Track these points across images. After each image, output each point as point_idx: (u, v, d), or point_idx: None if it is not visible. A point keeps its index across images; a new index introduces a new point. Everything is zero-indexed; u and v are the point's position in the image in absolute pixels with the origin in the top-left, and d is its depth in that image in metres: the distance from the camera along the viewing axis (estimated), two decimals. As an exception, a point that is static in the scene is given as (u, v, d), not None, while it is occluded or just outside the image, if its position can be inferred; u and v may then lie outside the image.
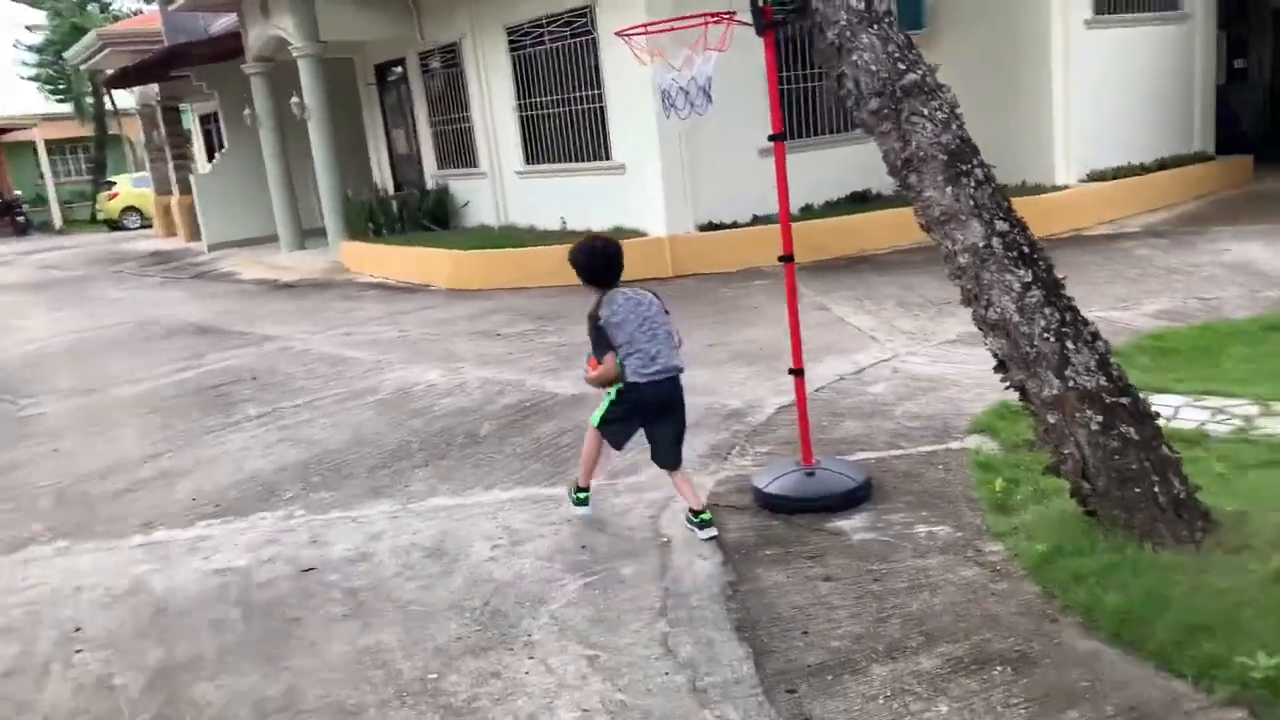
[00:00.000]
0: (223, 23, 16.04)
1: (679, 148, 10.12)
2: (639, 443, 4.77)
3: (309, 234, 15.94)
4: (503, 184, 12.64)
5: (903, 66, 3.32)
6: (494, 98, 12.31)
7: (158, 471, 5.31)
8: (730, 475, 4.42)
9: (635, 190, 10.51)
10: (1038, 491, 3.80)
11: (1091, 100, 10.84)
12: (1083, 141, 10.89)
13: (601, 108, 10.70)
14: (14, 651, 3.41)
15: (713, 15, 3.83)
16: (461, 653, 3.12)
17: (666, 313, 3.88)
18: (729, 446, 4.82)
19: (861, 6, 3.34)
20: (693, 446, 4.85)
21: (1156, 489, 3.14)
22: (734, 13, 3.86)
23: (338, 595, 3.61)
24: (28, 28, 35.60)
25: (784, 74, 10.44)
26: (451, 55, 12.95)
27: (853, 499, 3.89)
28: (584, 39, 10.67)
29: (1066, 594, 3.01)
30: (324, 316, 9.87)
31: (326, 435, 5.67)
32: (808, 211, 10.86)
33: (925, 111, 3.30)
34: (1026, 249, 3.27)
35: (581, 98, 10.96)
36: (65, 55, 22.06)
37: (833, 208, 11.02)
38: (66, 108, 32.67)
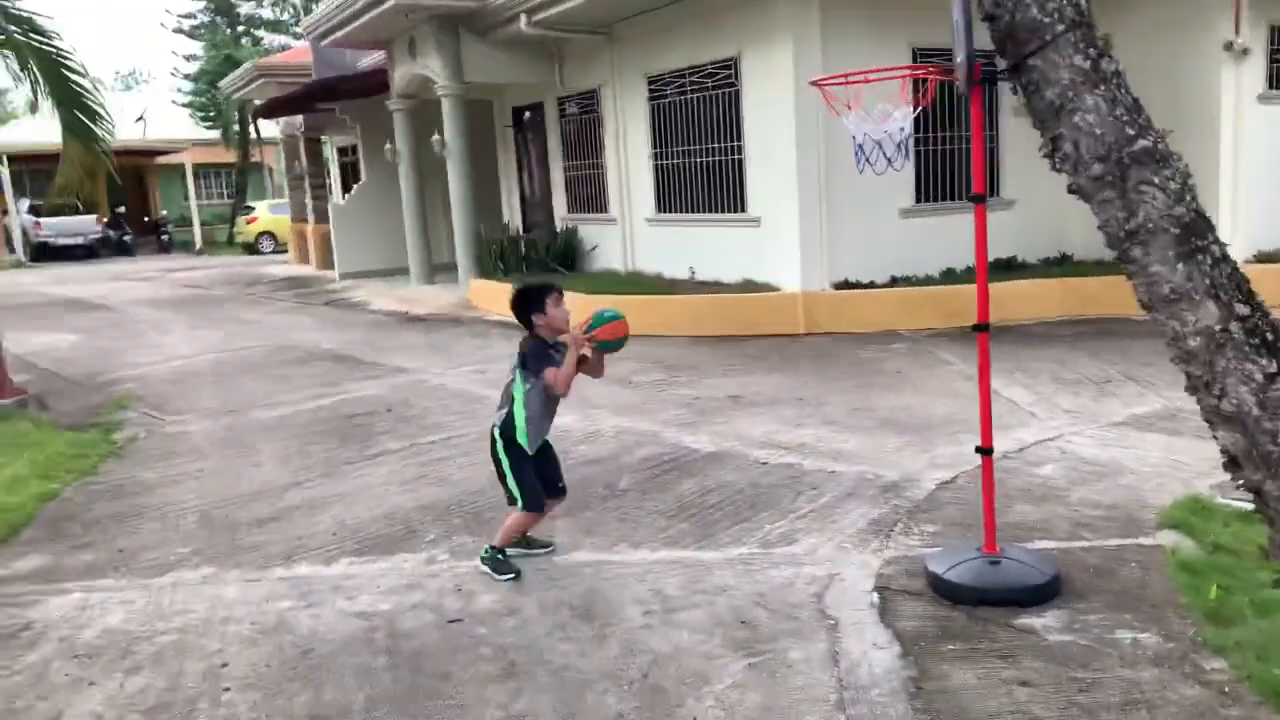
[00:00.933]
0: (370, 60, 16.65)
1: (818, 204, 9.92)
2: (799, 508, 4.54)
3: (437, 269, 16.27)
4: (632, 230, 12.63)
5: (1131, 131, 3.06)
6: (629, 145, 12.35)
7: (300, 500, 5.30)
8: (898, 555, 4.12)
9: (770, 244, 10.32)
10: (1256, 603, 3.40)
11: (1263, 178, 10.21)
12: (1252, 220, 10.25)
13: (740, 159, 10.59)
14: (162, 685, 3.35)
15: (916, 68, 3.63)
16: (623, 731, 2.91)
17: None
18: (891, 522, 4.52)
19: (1087, 65, 3.09)
20: (851, 519, 4.59)
21: None
22: (938, 67, 3.65)
23: (487, 652, 3.45)
24: (185, 57, 38.02)
25: (924, 134, 10.15)
26: (589, 101, 13.09)
27: (1042, 594, 3.55)
28: (726, 90, 10.61)
29: (1320, 734, 2.63)
30: (455, 352, 9.93)
31: (466, 475, 5.59)
32: (949, 276, 10.48)
33: (1156, 180, 3.02)
34: (1270, 336, 2.94)
35: (719, 149, 10.88)
36: (220, 84, 23.27)
37: (974, 272, 10.59)
38: (214, 134, 34.51)
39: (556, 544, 4.43)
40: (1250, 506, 4.46)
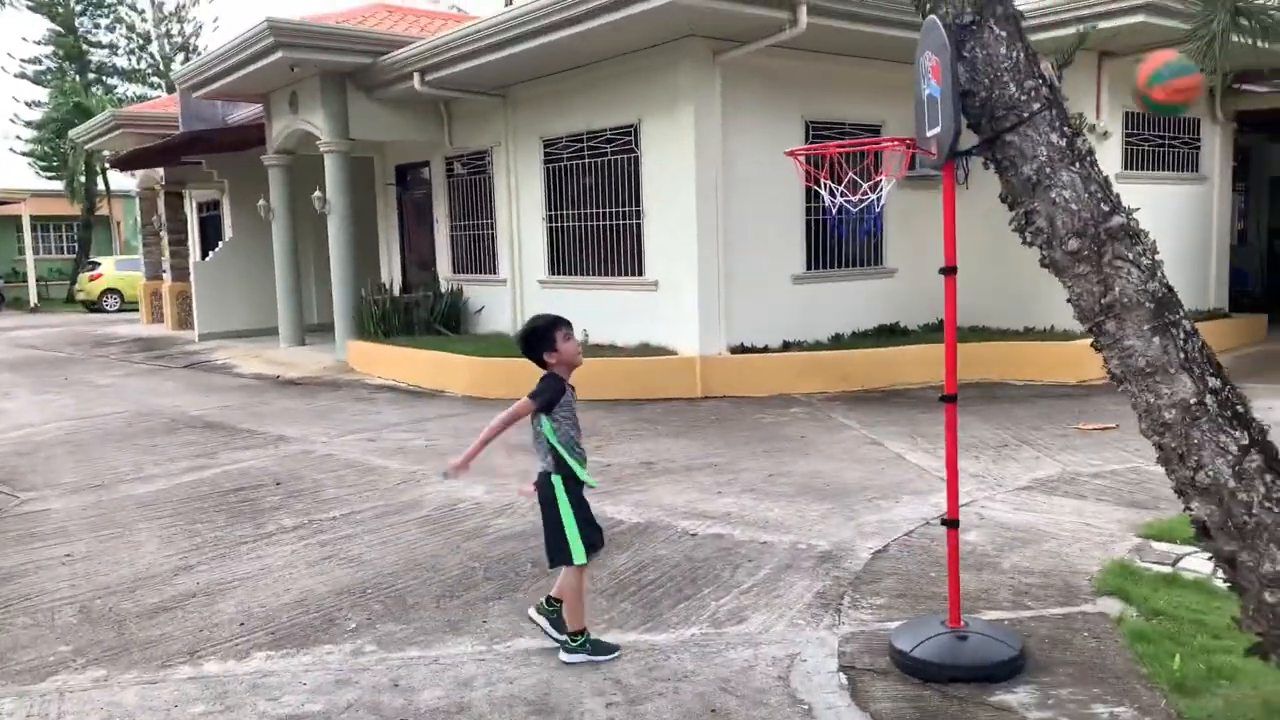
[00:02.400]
0: (243, 113, 15.98)
1: (716, 268, 10.00)
2: (740, 582, 4.43)
3: (308, 330, 15.57)
4: (523, 292, 12.42)
5: (1106, 208, 3.12)
6: (522, 206, 12.21)
7: (193, 586, 4.78)
8: (854, 630, 4.02)
9: (667, 308, 10.32)
10: (1212, 671, 3.45)
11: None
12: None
13: (638, 224, 10.59)
14: (63, 813, 2.87)
15: (893, 140, 3.64)
16: (613, 845, 2.65)
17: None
18: (837, 596, 4.43)
19: (1063, 143, 3.16)
20: (795, 592, 4.48)
21: (1400, 686, 2.81)
22: (905, 139, 3.67)
23: (441, 757, 3.13)
24: (28, 104, 35.73)
25: (810, 204, 10.44)
26: (480, 161, 12.91)
27: (1011, 669, 3.51)
28: (625, 155, 10.65)
29: (1317, 807, 2.64)
30: (339, 419, 9.40)
31: (376, 555, 5.19)
32: (838, 341, 10.73)
33: (1130, 256, 3.09)
34: (1240, 409, 3.01)
35: (617, 212, 10.87)
36: (70, 133, 21.87)
37: (861, 338, 10.90)
38: (56, 185, 32.40)
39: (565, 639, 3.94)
40: (1168, 569, 4.64)
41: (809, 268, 10.74)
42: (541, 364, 3.86)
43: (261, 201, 14.91)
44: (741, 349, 10.25)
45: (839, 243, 10.91)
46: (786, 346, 10.47)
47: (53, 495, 6.73)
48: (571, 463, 3.80)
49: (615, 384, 9.93)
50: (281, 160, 14.41)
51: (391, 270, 15.30)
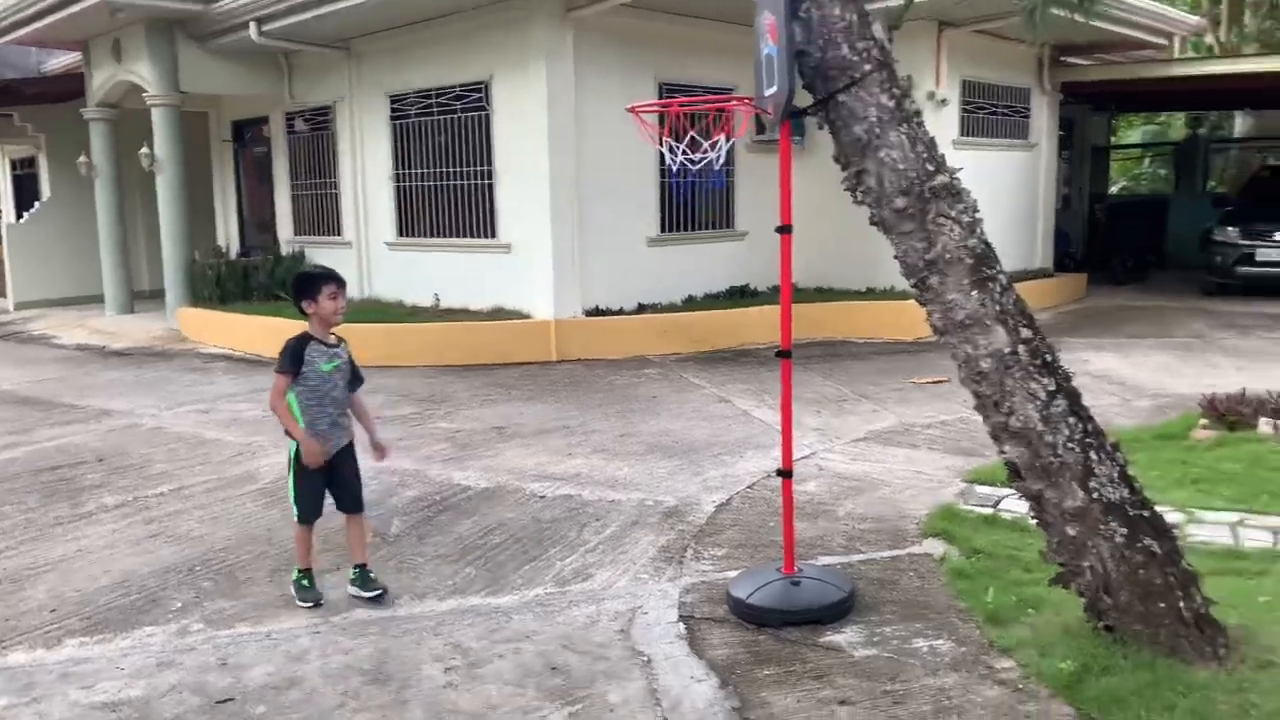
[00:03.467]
0: (60, 61, 14.74)
1: (571, 230, 9.92)
2: (587, 541, 4.43)
3: (137, 296, 14.63)
4: (369, 255, 12.02)
5: (931, 167, 3.23)
6: (367, 166, 11.76)
7: (0, 572, 4.43)
8: (695, 581, 4.09)
9: (521, 270, 10.18)
10: (1022, 602, 3.68)
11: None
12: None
13: (490, 184, 10.38)
14: None
15: (732, 99, 3.65)
16: (447, 808, 2.61)
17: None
18: (680, 549, 4.50)
19: (892, 104, 3.24)
20: (640, 548, 4.53)
21: (1180, 604, 3.07)
22: (750, 98, 3.69)
23: (269, 734, 3.00)
24: None
25: (664, 167, 10.48)
26: (323, 118, 12.34)
27: (841, 610, 3.65)
28: (476, 113, 10.38)
29: (1109, 716, 2.85)
30: (170, 390, 8.89)
31: (207, 530, 4.94)
32: (690, 303, 10.86)
33: (952, 214, 3.21)
34: (1049, 357, 3.20)
35: (468, 172, 10.61)
36: None
37: (713, 300, 11.06)
38: None
39: (381, 590, 4.03)
40: (989, 511, 4.92)
41: (663, 230, 10.80)
42: (303, 314, 3.91)
43: (83, 158, 13.82)
44: (596, 311, 10.23)
45: (692, 206, 11.00)
46: (641, 309, 10.52)
47: None
48: (293, 436, 3.89)
49: (468, 349, 9.76)
50: (104, 114, 13.37)
51: (228, 232, 14.53)
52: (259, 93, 12.62)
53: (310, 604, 3.94)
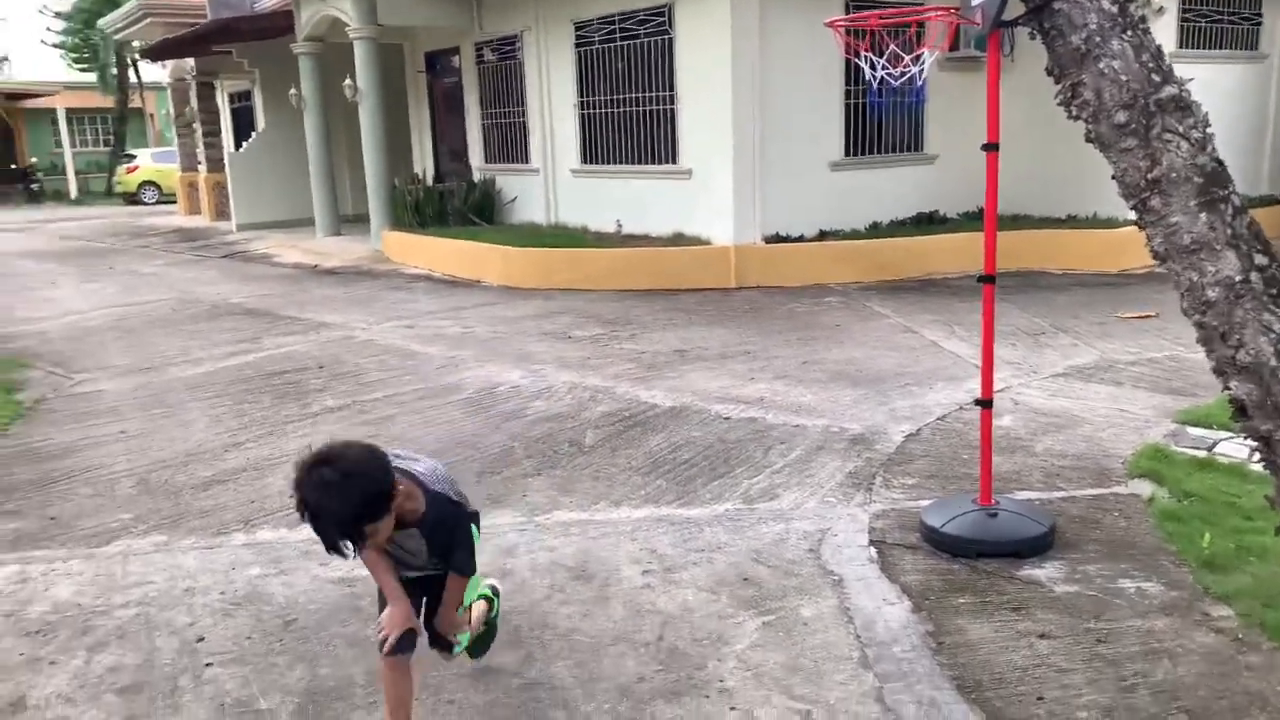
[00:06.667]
0: (270, 0, 15.70)
1: (752, 156, 9.82)
2: (773, 463, 4.51)
3: (343, 220, 15.62)
4: (555, 182, 12.32)
5: (1157, 79, 3.01)
6: (553, 93, 11.99)
7: (243, 462, 4.96)
8: (885, 508, 4.10)
9: (702, 197, 10.20)
10: (1242, 549, 3.50)
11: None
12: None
13: (672, 110, 10.39)
14: (135, 661, 3.07)
15: (932, 9, 3.52)
16: (650, 696, 2.79)
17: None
18: (868, 476, 4.50)
19: (1115, 10, 3.03)
20: (827, 472, 4.56)
21: None
22: (954, 7, 3.55)
23: (486, 618, 3.27)
24: (57, -6, 35.25)
25: (850, 88, 10.14)
26: (510, 48, 12.64)
27: (1040, 545, 3.57)
28: (659, 38, 10.37)
29: (1341, 674, 2.71)
30: (378, 307, 9.52)
31: (419, 433, 5.34)
32: (875, 230, 10.57)
33: (1180, 129, 2.99)
34: (1287, 287, 2.97)
35: (650, 98, 10.65)
36: (99, 23, 21.62)
37: (898, 226, 10.72)
38: (89, 77, 32.20)
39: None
40: (1203, 454, 4.65)
41: (847, 154, 10.52)
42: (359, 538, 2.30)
43: (293, 91, 14.77)
44: (777, 238, 10.14)
45: (879, 128, 10.63)
46: (823, 235, 10.34)
47: (104, 377, 6.94)
48: None
49: (650, 274, 9.92)
50: (311, 48, 14.20)
51: (424, 160, 15.20)
52: (450, 24, 13.02)
53: None
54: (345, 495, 2.17)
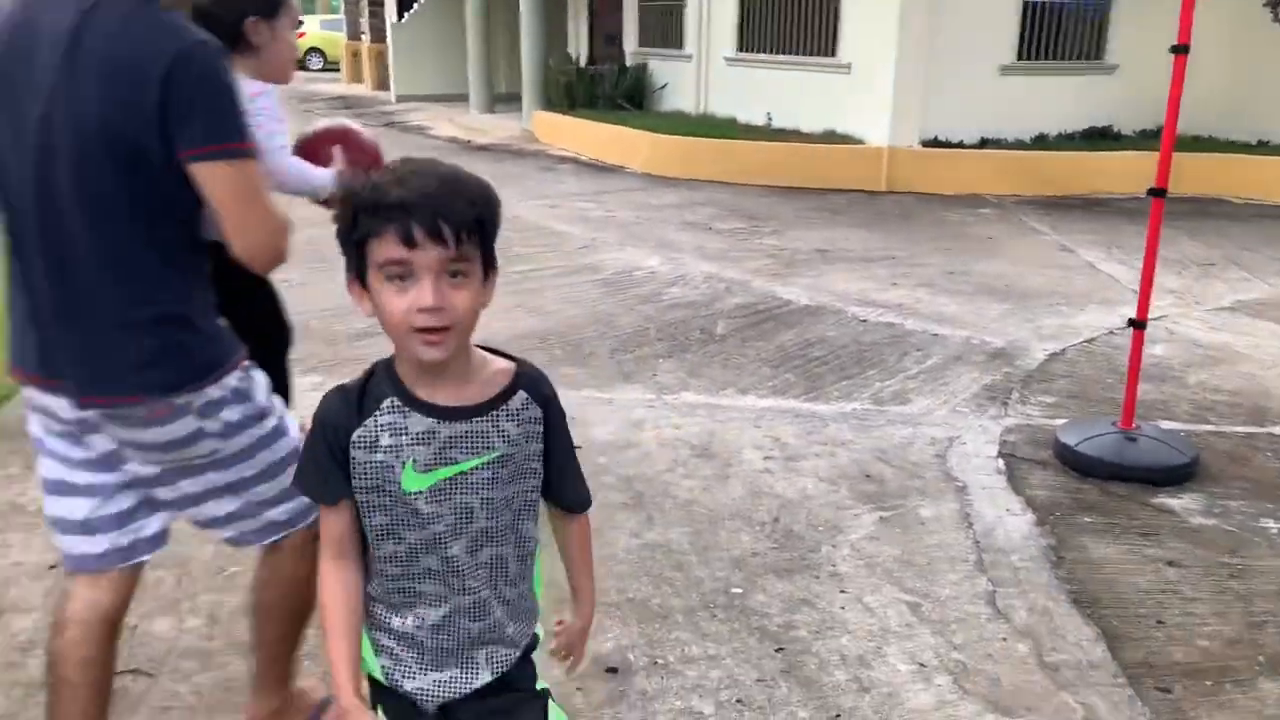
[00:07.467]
0: None
1: (916, 53, 9.38)
2: (907, 368, 4.44)
3: (497, 98, 15.80)
4: (708, 70, 12.08)
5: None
6: (715, -24, 11.66)
7: (394, 319, 5.23)
8: (1018, 424, 4.02)
9: (859, 93, 9.84)
10: (1404, 503, 3.30)
11: None
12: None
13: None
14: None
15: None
16: (763, 570, 2.88)
17: None
18: (1005, 390, 4.40)
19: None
20: (962, 383, 4.48)
21: None
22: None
23: (611, 480, 3.42)
24: None
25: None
26: (675, -74, 12.30)
27: (1179, 475, 3.45)
28: (831, -78, 9.89)
29: None
30: (525, 185, 9.69)
31: (558, 308, 5.50)
32: (1041, 141, 10.01)
33: None
34: None
35: (816, -13, 10.24)
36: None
37: (1067, 140, 10.11)
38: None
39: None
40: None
41: (1020, 57, 9.90)
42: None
43: (456, -39, 14.82)
44: (935, 143, 9.74)
45: (1056, 30, 9.94)
46: (984, 143, 9.86)
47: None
48: None
49: (797, 171, 9.71)
50: (476, -82, 14.17)
51: (579, 42, 15.12)
52: (619, -103, 12.74)
53: None
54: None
